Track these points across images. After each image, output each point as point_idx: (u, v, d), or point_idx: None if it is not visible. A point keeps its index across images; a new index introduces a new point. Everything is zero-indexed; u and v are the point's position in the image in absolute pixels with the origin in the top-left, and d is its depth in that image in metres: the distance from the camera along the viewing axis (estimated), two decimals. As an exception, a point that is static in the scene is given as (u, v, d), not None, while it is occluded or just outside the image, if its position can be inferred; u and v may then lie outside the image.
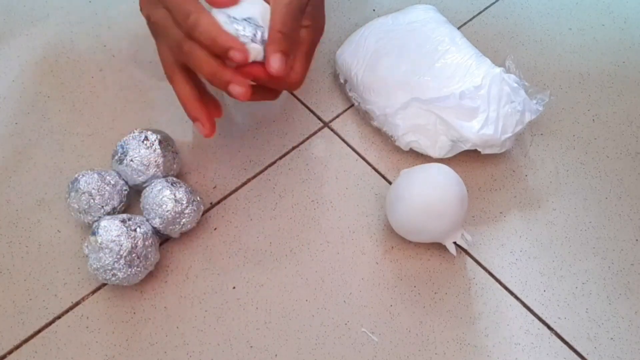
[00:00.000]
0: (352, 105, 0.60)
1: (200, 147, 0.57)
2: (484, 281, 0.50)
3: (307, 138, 0.58)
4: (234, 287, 0.50)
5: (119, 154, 0.51)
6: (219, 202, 0.54)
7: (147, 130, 0.52)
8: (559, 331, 0.48)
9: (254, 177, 0.56)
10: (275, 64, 0.44)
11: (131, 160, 0.50)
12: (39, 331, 0.48)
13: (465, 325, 0.48)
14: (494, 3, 0.68)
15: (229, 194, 0.55)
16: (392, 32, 0.58)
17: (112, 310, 0.49)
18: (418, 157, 0.56)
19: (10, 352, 0.47)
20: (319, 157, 0.57)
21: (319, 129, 0.59)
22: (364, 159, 0.57)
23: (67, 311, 0.49)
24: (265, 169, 0.56)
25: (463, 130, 0.53)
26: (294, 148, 0.58)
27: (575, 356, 0.47)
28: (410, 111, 0.55)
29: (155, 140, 0.51)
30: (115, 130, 0.58)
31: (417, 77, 0.55)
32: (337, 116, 0.60)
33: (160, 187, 0.49)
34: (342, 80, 0.60)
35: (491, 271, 0.51)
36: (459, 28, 0.65)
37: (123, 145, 0.51)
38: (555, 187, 0.55)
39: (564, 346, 0.47)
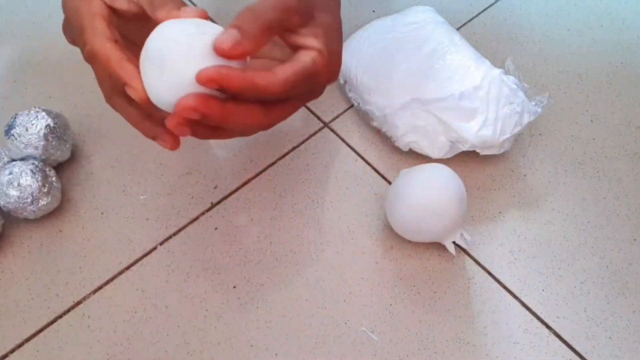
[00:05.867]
0: (352, 105, 0.60)
1: (201, 148, 0.58)
2: (483, 280, 0.51)
3: (307, 138, 0.59)
4: (234, 287, 0.50)
5: (7, 126, 0.53)
6: (219, 202, 0.54)
7: (45, 111, 0.53)
8: (557, 330, 0.48)
9: (255, 177, 0.56)
10: (225, 37, 0.34)
11: (13, 135, 0.52)
12: (41, 330, 0.48)
13: (465, 324, 0.48)
14: (492, 4, 0.69)
15: (230, 194, 0.55)
16: (391, 34, 0.59)
17: (114, 309, 0.49)
18: (417, 157, 0.56)
19: (12, 350, 0.47)
20: (319, 157, 0.57)
21: (319, 129, 0.59)
22: (363, 159, 0.57)
23: (68, 310, 0.49)
24: (266, 169, 0.56)
25: (462, 131, 0.53)
26: (294, 148, 0.58)
27: (574, 355, 0.47)
28: (409, 112, 0.55)
29: (43, 124, 0.52)
30: (117, 129, 0.58)
31: (416, 78, 0.55)
32: (337, 116, 0.60)
33: (18, 169, 0.50)
34: (341, 81, 0.61)
35: (490, 271, 0.51)
36: (458, 29, 0.65)
37: (15, 117, 0.53)
38: (554, 187, 0.56)
39: (563, 345, 0.48)
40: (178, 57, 0.34)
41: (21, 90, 0.61)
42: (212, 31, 0.35)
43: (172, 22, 0.36)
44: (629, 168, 0.57)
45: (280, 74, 0.36)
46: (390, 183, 0.56)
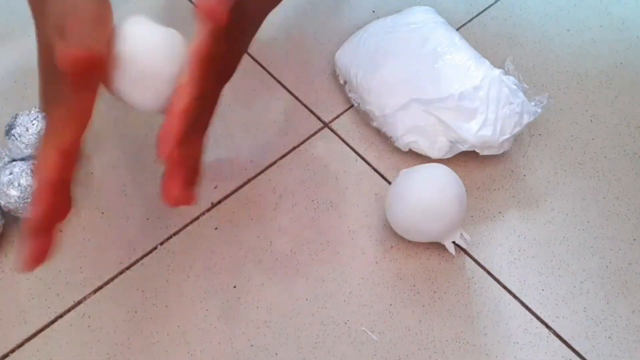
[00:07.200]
0: (352, 105, 0.60)
1: (201, 148, 0.58)
2: (482, 280, 0.51)
3: (307, 138, 0.59)
4: (234, 287, 0.50)
5: (8, 126, 0.53)
6: (219, 202, 0.55)
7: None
8: (557, 330, 0.48)
9: (254, 177, 0.56)
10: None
11: (14, 135, 0.52)
12: (41, 330, 0.48)
13: (464, 324, 0.48)
14: (492, 4, 0.69)
15: (230, 194, 0.55)
16: (391, 34, 0.59)
17: (114, 309, 0.49)
18: (417, 157, 0.56)
19: (12, 350, 0.47)
20: (319, 157, 0.57)
21: (319, 129, 0.59)
22: (363, 159, 0.57)
23: (69, 310, 0.49)
24: (266, 169, 0.57)
25: (461, 132, 0.53)
26: (294, 148, 0.58)
27: (574, 355, 0.47)
28: (409, 112, 0.55)
29: (43, 124, 0.52)
30: (117, 129, 0.58)
31: (416, 78, 0.55)
32: (337, 117, 0.60)
33: (18, 169, 0.50)
34: (341, 81, 0.61)
35: (490, 270, 0.51)
36: (457, 29, 0.65)
37: (16, 118, 0.53)
38: (554, 187, 0.56)
39: (562, 345, 0.48)
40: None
41: (21, 90, 0.61)
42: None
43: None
44: (629, 168, 0.57)
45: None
46: (390, 183, 0.56)
